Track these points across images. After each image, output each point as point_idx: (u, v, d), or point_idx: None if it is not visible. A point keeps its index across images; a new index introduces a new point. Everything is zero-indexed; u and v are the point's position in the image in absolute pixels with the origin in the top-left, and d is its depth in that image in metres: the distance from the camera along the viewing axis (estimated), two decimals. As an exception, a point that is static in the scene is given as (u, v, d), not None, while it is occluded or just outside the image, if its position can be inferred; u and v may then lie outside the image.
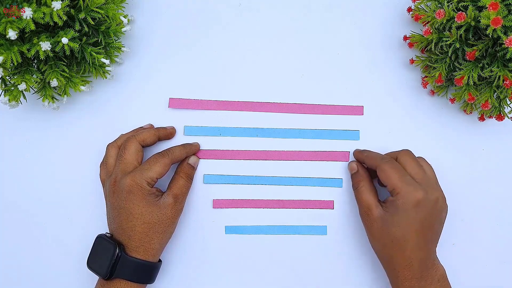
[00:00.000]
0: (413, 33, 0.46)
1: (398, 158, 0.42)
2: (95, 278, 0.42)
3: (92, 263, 0.41)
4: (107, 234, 0.41)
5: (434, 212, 0.39)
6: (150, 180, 0.40)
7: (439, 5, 0.41)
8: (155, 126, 0.47)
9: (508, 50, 0.36)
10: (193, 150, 0.46)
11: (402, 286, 0.40)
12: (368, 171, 0.45)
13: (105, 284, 0.40)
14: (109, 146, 0.44)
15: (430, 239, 0.40)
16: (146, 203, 0.40)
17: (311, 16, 0.49)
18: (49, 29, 0.39)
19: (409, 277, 0.39)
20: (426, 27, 0.41)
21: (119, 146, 0.44)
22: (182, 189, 0.43)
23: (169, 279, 0.46)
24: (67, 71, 0.41)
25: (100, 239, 0.41)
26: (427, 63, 0.45)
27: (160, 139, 0.45)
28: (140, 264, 0.40)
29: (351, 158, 0.48)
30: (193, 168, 0.45)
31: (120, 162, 0.41)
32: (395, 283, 0.41)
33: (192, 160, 0.45)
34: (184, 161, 0.45)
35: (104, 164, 0.43)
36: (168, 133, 0.46)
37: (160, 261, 0.43)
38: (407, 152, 0.43)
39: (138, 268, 0.40)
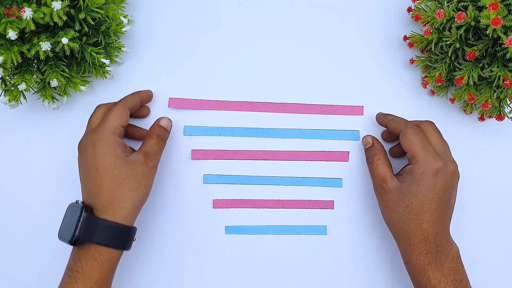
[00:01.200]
0: (413, 33, 0.46)
1: (421, 127, 0.42)
2: None
3: (62, 232, 0.38)
4: (78, 201, 0.40)
5: (451, 184, 0.40)
6: (112, 129, 0.39)
7: (439, 5, 0.41)
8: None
9: (508, 50, 0.36)
10: (145, 95, 0.46)
11: (416, 261, 0.39)
12: (383, 146, 0.45)
13: (77, 254, 0.37)
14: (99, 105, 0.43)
15: (445, 214, 0.40)
16: (114, 156, 0.39)
17: (311, 16, 0.49)
18: (49, 29, 0.39)
19: (425, 251, 0.38)
20: (426, 27, 0.41)
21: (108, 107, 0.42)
22: (153, 147, 0.42)
23: (169, 279, 0.46)
24: (67, 71, 0.41)
25: (69, 206, 0.40)
26: (427, 63, 0.45)
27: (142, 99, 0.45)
28: (110, 227, 0.38)
29: (351, 158, 0.48)
30: (165, 130, 0.44)
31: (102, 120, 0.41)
32: (409, 257, 0.40)
33: (163, 122, 0.44)
34: (155, 123, 0.44)
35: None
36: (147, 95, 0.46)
37: (135, 227, 0.41)
38: (431, 123, 0.43)
39: (108, 230, 0.37)
